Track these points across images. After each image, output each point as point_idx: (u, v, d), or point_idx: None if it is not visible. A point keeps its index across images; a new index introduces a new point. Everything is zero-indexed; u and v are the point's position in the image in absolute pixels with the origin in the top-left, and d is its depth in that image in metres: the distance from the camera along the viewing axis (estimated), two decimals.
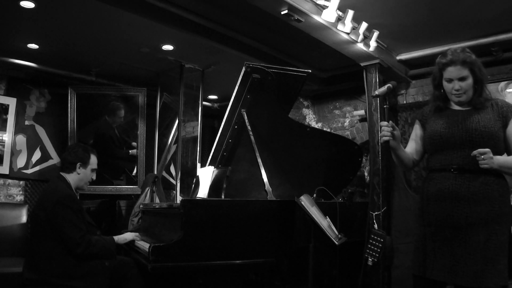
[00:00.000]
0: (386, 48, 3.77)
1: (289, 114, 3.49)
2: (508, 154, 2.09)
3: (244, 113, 3.00)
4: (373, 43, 3.36)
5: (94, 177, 2.90)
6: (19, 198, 4.41)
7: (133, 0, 3.01)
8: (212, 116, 5.85)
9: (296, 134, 3.33)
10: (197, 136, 4.55)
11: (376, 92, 2.27)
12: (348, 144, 3.68)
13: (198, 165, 4.32)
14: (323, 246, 2.51)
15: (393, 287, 3.49)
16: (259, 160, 2.83)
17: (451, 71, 2.07)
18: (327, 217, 2.48)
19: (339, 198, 3.50)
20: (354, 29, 3.16)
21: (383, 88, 2.24)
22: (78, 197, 2.98)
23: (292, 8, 2.79)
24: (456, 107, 2.17)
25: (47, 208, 2.52)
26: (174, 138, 4.83)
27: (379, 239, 3.16)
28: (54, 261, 2.46)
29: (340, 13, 3.00)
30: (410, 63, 4.08)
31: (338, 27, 3.06)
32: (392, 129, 2.13)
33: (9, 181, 4.37)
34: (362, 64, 3.73)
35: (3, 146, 4.30)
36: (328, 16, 2.90)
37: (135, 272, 2.68)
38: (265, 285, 3.18)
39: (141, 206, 3.60)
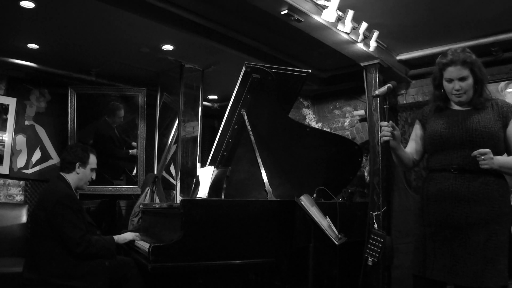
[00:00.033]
0: (386, 48, 3.77)
1: (289, 114, 3.49)
2: (508, 154, 2.09)
3: (244, 113, 3.00)
4: (373, 43, 3.36)
5: (93, 177, 2.90)
6: (19, 198, 4.41)
7: (133, 0, 3.01)
8: (212, 116, 5.85)
9: (296, 134, 3.33)
10: (197, 136, 4.55)
11: (376, 92, 2.27)
12: (348, 144, 3.68)
13: (198, 165, 4.32)
14: (323, 246, 2.51)
15: (393, 287, 3.49)
16: (259, 160, 2.83)
17: (452, 71, 2.07)
18: (327, 217, 2.48)
19: (339, 198, 3.50)
20: (354, 29, 3.16)
21: (383, 88, 2.24)
22: (78, 197, 2.99)
23: (292, 8, 2.79)
24: (456, 107, 2.17)
25: (47, 208, 2.52)
26: (174, 138, 4.83)
27: (379, 239, 3.16)
28: (54, 261, 2.47)
29: (340, 13, 3.00)
30: (410, 63, 4.08)
31: (338, 27, 3.06)
32: (392, 129, 2.13)
33: (9, 181, 4.37)
34: (362, 64, 3.73)
35: (3, 146, 4.30)
36: (328, 16, 2.90)
37: (135, 272, 2.68)
38: (265, 285, 3.18)
39: (141, 206, 3.60)
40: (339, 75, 4.52)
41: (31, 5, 3.06)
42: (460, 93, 2.09)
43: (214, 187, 2.86)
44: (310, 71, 3.30)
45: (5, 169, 4.30)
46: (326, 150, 3.47)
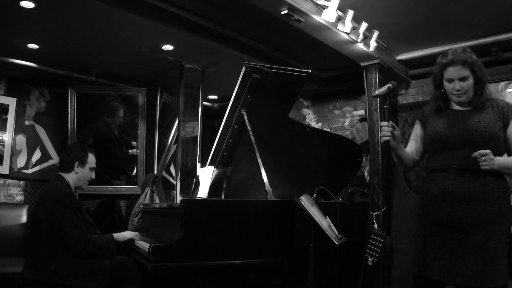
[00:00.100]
0: (386, 48, 3.77)
1: (289, 114, 3.49)
2: (509, 155, 2.09)
3: (244, 113, 3.00)
4: (373, 43, 3.36)
5: (93, 176, 2.91)
6: (19, 198, 4.41)
7: (133, 0, 3.01)
8: (212, 116, 5.85)
9: (296, 134, 3.33)
10: (197, 136, 4.55)
11: (376, 92, 2.27)
12: (348, 144, 3.68)
13: (198, 165, 4.32)
14: (323, 246, 2.51)
15: (393, 287, 3.49)
16: (259, 160, 2.83)
17: (452, 71, 2.07)
18: (327, 217, 2.48)
19: (339, 198, 3.50)
20: (354, 29, 3.16)
21: (383, 88, 2.24)
22: (77, 197, 2.99)
23: (292, 8, 2.79)
24: (457, 107, 2.17)
25: (46, 207, 2.52)
26: (174, 138, 4.83)
27: (379, 239, 3.16)
28: (54, 260, 2.47)
29: (340, 13, 3.00)
30: (410, 63, 4.08)
31: (338, 27, 3.06)
32: (392, 129, 2.13)
33: (9, 181, 4.37)
34: (362, 64, 3.73)
35: (3, 146, 4.30)
36: (328, 16, 2.90)
37: (135, 272, 2.68)
38: (265, 285, 3.18)
39: (141, 206, 3.60)
40: (339, 75, 4.52)
41: (31, 5, 3.06)
42: (460, 93, 2.09)
43: (214, 187, 2.86)
44: (310, 71, 3.30)
45: (5, 169, 4.30)
46: (326, 150, 3.47)
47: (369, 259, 3.14)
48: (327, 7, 2.87)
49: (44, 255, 2.48)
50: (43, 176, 4.49)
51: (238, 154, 3.15)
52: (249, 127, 2.94)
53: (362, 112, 4.52)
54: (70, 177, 2.77)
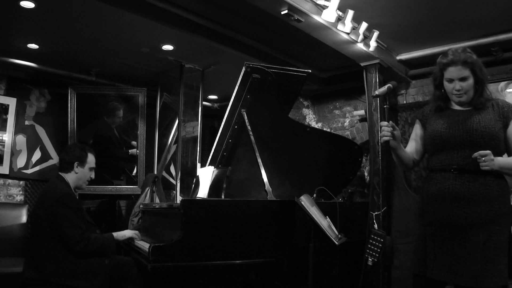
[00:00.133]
0: (386, 48, 3.77)
1: (289, 114, 3.49)
2: (509, 155, 2.09)
3: (244, 113, 3.00)
4: (373, 43, 3.36)
5: (92, 176, 2.91)
6: (19, 198, 4.41)
7: (133, 0, 3.01)
8: (212, 116, 5.85)
9: (296, 134, 3.33)
10: (197, 136, 4.54)
11: (376, 92, 2.27)
12: (348, 144, 3.68)
13: (198, 165, 4.32)
14: (323, 246, 2.51)
15: (393, 287, 3.49)
16: (259, 160, 2.83)
17: (452, 71, 2.07)
18: (327, 217, 2.48)
19: (339, 198, 3.50)
20: (354, 29, 3.16)
21: (383, 88, 2.24)
22: (77, 197, 2.99)
23: (292, 8, 2.79)
24: (457, 107, 2.17)
25: (46, 207, 2.53)
26: (174, 138, 4.83)
27: (379, 239, 3.16)
28: (54, 260, 2.47)
29: (340, 13, 3.00)
30: (410, 63, 4.08)
31: (338, 27, 3.06)
32: (392, 129, 2.13)
33: (9, 181, 4.37)
34: (362, 64, 3.73)
35: (3, 146, 4.30)
36: (328, 16, 2.90)
37: (135, 272, 2.68)
38: (265, 285, 3.17)
39: (141, 206, 3.60)
40: (339, 75, 4.53)
41: (31, 5, 3.06)
42: (460, 93, 2.09)
43: (214, 187, 2.86)
44: (310, 71, 3.30)
45: (5, 169, 4.30)
46: (326, 150, 3.47)
47: (369, 259, 3.14)
48: (327, 7, 2.87)
49: (44, 255, 2.48)
50: (43, 176, 4.49)
51: (238, 154, 3.15)
52: (249, 127, 2.93)
53: (362, 112, 4.52)
54: (70, 177, 2.77)
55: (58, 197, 2.55)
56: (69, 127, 4.49)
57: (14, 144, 4.38)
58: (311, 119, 5.12)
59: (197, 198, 2.94)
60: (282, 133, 3.27)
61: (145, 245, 2.62)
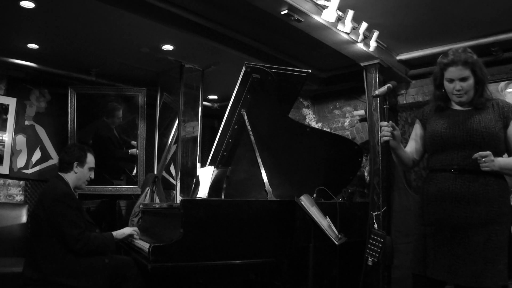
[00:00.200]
0: (386, 48, 3.77)
1: (289, 114, 3.49)
2: (509, 155, 2.09)
3: (244, 113, 3.00)
4: (373, 43, 3.36)
5: (92, 176, 2.91)
6: (19, 198, 4.41)
7: (133, 0, 3.01)
8: (212, 116, 5.85)
9: (296, 134, 3.33)
10: (197, 136, 4.54)
11: (376, 92, 2.27)
12: (348, 144, 3.68)
13: (198, 165, 4.31)
14: (323, 246, 2.51)
15: (393, 287, 3.49)
16: (259, 160, 2.83)
17: (453, 71, 2.07)
18: (327, 217, 2.48)
19: (339, 198, 3.50)
20: (354, 29, 3.16)
21: (383, 88, 2.24)
22: (77, 197, 2.99)
23: (292, 8, 2.79)
24: (457, 107, 2.17)
25: (46, 206, 2.53)
26: (174, 138, 4.83)
27: (379, 239, 3.16)
28: (54, 259, 2.47)
29: (340, 13, 3.00)
30: (410, 63, 4.08)
31: (338, 27, 3.06)
32: (392, 129, 2.13)
33: (9, 181, 4.37)
34: (362, 64, 3.73)
35: (3, 146, 4.30)
36: (328, 16, 2.90)
37: (135, 272, 2.68)
38: (265, 285, 3.17)
39: (141, 206, 3.60)
40: (339, 75, 4.53)
41: (31, 5, 3.06)
42: (461, 93, 2.09)
43: (214, 187, 2.86)
44: (310, 71, 3.30)
45: (5, 169, 4.30)
46: (326, 150, 3.47)
47: (369, 259, 3.13)
48: (327, 7, 2.87)
49: (44, 255, 2.48)
50: (43, 176, 4.49)
51: (238, 154, 3.15)
52: (249, 127, 2.93)
53: (362, 112, 4.52)
54: (69, 177, 2.77)
55: (58, 196, 2.56)
56: (69, 127, 4.49)
57: (14, 144, 4.38)
58: (311, 119, 5.12)
59: (197, 198, 2.94)
60: (282, 133, 3.27)
61: (145, 245, 2.62)
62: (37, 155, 4.54)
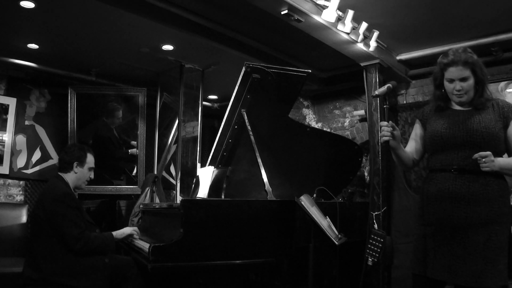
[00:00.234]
0: (386, 48, 3.77)
1: (289, 114, 3.49)
2: (509, 155, 2.09)
3: (244, 113, 3.00)
4: (373, 43, 3.36)
5: (92, 176, 2.92)
6: (19, 198, 4.41)
7: (133, 0, 3.01)
8: (212, 116, 5.85)
9: (296, 134, 3.33)
10: (197, 136, 4.54)
11: (376, 92, 2.27)
12: (348, 144, 3.68)
13: (198, 165, 4.31)
14: (323, 246, 2.51)
15: (393, 287, 3.49)
16: (259, 160, 2.83)
17: (453, 72, 2.07)
18: (327, 217, 2.48)
19: (339, 198, 3.50)
20: (354, 29, 3.16)
21: (383, 88, 2.24)
22: (77, 197, 2.99)
23: (292, 8, 2.79)
24: (457, 107, 2.17)
25: (46, 206, 2.54)
26: (174, 138, 4.83)
27: (379, 239, 3.16)
28: (54, 259, 2.47)
29: (340, 13, 3.00)
30: (410, 63, 4.08)
31: (338, 27, 3.06)
32: (392, 129, 2.13)
33: (9, 181, 4.37)
34: (362, 64, 3.73)
35: (3, 146, 4.30)
36: (328, 16, 2.90)
37: (135, 272, 2.68)
38: (265, 285, 3.17)
39: (141, 206, 3.60)
40: (339, 75, 4.53)
41: (31, 5, 3.06)
42: (461, 93, 2.09)
43: (214, 187, 2.86)
44: (310, 71, 3.30)
45: (5, 169, 4.30)
46: (326, 150, 3.47)
47: (369, 259, 3.13)
48: (327, 7, 2.87)
49: (44, 254, 2.49)
50: (43, 176, 4.49)
51: (238, 154, 3.15)
52: (249, 127, 2.93)
53: (362, 112, 4.52)
54: (69, 177, 2.78)
55: (58, 196, 2.56)
56: (69, 127, 4.49)
57: (14, 144, 4.38)
58: (311, 119, 5.12)
59: (197, 198, 2.94)
60: (282, 133, 3.27)
61: (145, 245, 2.62)
62: (37, 155, 4.54)
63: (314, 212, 2.46)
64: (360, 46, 3.36)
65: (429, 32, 3.48)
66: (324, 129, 4.90)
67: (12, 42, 3.81)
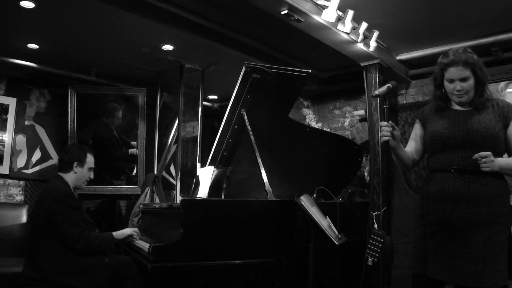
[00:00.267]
0: (386, 48, 3.77)
1: (289, 114, 3.49)
2: (509, 155, 2.09)
3: (244, 113, 3.00)
4: (373, 43, 3.36)
5: (91, 176, 2.92)
6: (19, 198, 4.41)
7: (133, 0, 3.01)
8: (212, 116, 5.85)
9: (296, 134, 3.33)
10: (197, 136, 4.54)
11: (376, 92, 2.27)
12: (348, 144, 3.68)
13: (198, 165, 4.32)
14: (323, 246, 2.51)
15: (393, 287, 3.49)
16: (259, 160, 2.83)
17: (453, 72, 2.06)
18: (327, 217, 2.48)
19: (339, 198, 3.50)
20: (354, 29, 3.16)
21: (383, 88, 2.24)
22: (76, 197, 2.99)
23: (292, 8, 2.79)
24: (457, 107, 2.17)
25: (45, 206, 2.54)
26: (174, 138, 4.83)
27: (379, 239, 3.16)
28: (54, 258, 2.48)
29: (340, 13, 3.00)
30: (410, 63, 4.08)
31: (338, 27, 3.06)
32: (392, 129, 2.13)
33: (9, 181, 4.37)
34: (362, 64, 3.73)
35: (3, 146, 4.30)
36: (328, 16, 2.90)
37: (135, 272, 2.68)
38: (265, 285, 3.17)
39: (141, 206, 3.60)
40: (339, 75, 4.52)
41: (31, 5, 3.06)
42: (461, 93, 2.09)
43: (214, 187, 2.86)
44: (310, 71, 3.30)
45: (5, 169, 4.30)
46: (326, 150, 3.47)
47: (369, 259, 3.14)
48: (327, 7, 2.87)
49: (44, 254, 2.49)
50: (43, 176, 4.49)
51: (238, 154, 3.15)
52: (249, 127, 2.93)
53: (362, 112, 4.52)
54: (69, 177, 2.78)
55: (58, 195, 2.56)
56: (69, 127, 4.49)
57: (14, 144, 4.38)
58: (311, 119, 5.12)
59: (197, 198, 2.94)
60: (282, 133, 3.27)
61: (145, 245, 2.62)
62: (37, 155, 4.54)
63: (314, 212, 2.46)
64: (360, 46, 3.36)
65: (429, 32, 3.48)
66: (324, 129, 4.90)
67: (12, 42, 3.81)
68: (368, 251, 3.17)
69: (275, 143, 3.21)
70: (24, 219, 4.03)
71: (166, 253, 2.25)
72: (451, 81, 2.09)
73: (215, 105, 5.79)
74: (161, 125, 4.79)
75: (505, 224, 2.02)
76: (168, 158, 5.19)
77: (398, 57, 3.96)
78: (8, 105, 4.34)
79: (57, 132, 4.65)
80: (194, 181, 3.23)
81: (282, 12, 2.81)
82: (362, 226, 3.41)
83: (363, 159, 3.82)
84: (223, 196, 2.72)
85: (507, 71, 3.68)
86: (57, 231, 2.50)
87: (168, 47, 3.87)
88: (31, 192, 4.46)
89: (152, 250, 2.23)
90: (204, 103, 5.35)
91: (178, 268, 2.32)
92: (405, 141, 2.59)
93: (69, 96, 4.49)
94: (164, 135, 4.89)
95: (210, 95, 5.54)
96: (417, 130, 2.32)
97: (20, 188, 4.43)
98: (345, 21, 3.01)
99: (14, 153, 4.39)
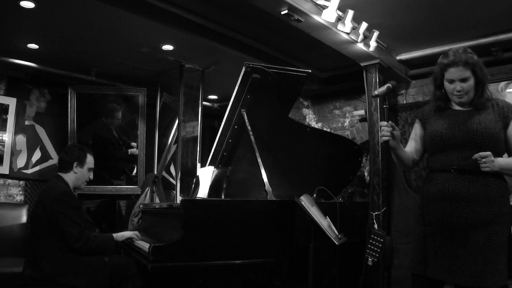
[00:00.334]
0: (386, 48, 3.77)
1: (289, 114, 3.49)
2: (509, 155, 2.09)
3: (244, 113, 3.00)
4: (373, 43, 3.36)
5: (91, 177, 2.93)
6: (19, 198, 4.41)
7: (133, 0, 3.01)
8: (212, 116, 5.86)
9: (296, 134, 3.33)
10: (197, 136, 4.55)
11: (376, 92, 2.27)
12: (348, 144, 3.68)
13: (198, 165, 4.32)
14: (323, 246, 2.51)
15: (393, 287, 3.49)
16: (259, 160, 2.83)
17: (453, 72, 2.06)
18: (327, 217, 2.48)
19: (339, 198, 3.50)
20: (354, 29, 3.16)
21: (383, 88, 2.24)
22: (76, 196, 3.00)
23: (292, 8, 2.79)
24: (457, 107, 2.17)
25: (45, 206, 2.55)
26: (174, 138, 4.83)
27: (379, 239, 3.15)
28: (54, 258, 2.48)
29: (340, 13, 3.00)
30: (410, 63, 4.08)
31: (338, 27, 3.06)
32: (391, 129, 2.12)
33: (9, 181, 4.37)
34: (362, 64, 3.73)
35: (3, 146, 4.30)
36: (328, 16, 2.90)
37: (135, 272, 2.68)
38: (265, 285, 3.18)
39: (141, 206, 3.60)
40: (339, 75, 4.53)
41: (31, 5, 3.06)
42: (461, 94, 2.09)
43: (214, 187, 2.86)
44: (310, 71, 3.30)
45: (5, 169, 4.30)
46: (326, 150, 3.47)
47: (369, 259, 3.13)
48: (327, 7, 2.87)
49: (44, 254, 2.49)
50: (43, 176, 4.49)
51: (238, 154, 3.15)
52: (249, 127, 2.93)
53: (362, 112, 4.52)
54: (69, 177, 2.78)
55: (58, 195, 2.57)
56: (69, 127, 4.49)
57: (14, 144, 4.38)
58: (311, 119, 5.12)
59: (197, 198, 2.94)
60: (282, 133, 3.27)
61: (145, 245, 2.62)
62: (37, 155, 4.54)
63: (314, 212, 2.46)
64: (360, 46, 3.36)
65: (429, 32, 3.48)
66: (324, 129, 4.90)
67: (12, 42, 3.81)
68: (368, 251, 3.16)
69: (275, 143, 3.21)
70: (24, 219, 4.03)
71: (166, 253, 2.25)
72: (451, 81, 2.09)
73: (215, 105, 5.80)
74: (161, 125, 4.79)
75: (505, 224, 2.02)
76: (168, 158, 5.19)
77: (398, 57, 3.96)
78: (8, 105, 4.34)
79: (57, 132, 4.65)
80: (194, 181, 3.23)
81: (282, 12, 2.81)
82: (362, 226, 3.41)
83: (363, 159, 3.82)
84: (223, 196, 2.72)
85: (507, 71, 3.68)
86: (57, 230, 2.50)
87: (168, 47, 3.87)
88: (31, 192, 4.46)
89: (152, 250, 2.23)
90: (204, 103, 5.35)
91: (178, 268, 2.32)
92: (405, 141, 2.59)
93: (69, 96, 4.49)
94: (164, 135, 4.89)
95: (210, 95, 5.54)
96: (417, 130, 2.32)
97: (20, 188, 4.43)
98: (345, 21, 3.01)
99: (14, 153, 4.39)
